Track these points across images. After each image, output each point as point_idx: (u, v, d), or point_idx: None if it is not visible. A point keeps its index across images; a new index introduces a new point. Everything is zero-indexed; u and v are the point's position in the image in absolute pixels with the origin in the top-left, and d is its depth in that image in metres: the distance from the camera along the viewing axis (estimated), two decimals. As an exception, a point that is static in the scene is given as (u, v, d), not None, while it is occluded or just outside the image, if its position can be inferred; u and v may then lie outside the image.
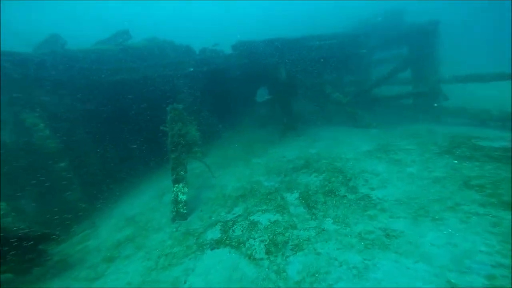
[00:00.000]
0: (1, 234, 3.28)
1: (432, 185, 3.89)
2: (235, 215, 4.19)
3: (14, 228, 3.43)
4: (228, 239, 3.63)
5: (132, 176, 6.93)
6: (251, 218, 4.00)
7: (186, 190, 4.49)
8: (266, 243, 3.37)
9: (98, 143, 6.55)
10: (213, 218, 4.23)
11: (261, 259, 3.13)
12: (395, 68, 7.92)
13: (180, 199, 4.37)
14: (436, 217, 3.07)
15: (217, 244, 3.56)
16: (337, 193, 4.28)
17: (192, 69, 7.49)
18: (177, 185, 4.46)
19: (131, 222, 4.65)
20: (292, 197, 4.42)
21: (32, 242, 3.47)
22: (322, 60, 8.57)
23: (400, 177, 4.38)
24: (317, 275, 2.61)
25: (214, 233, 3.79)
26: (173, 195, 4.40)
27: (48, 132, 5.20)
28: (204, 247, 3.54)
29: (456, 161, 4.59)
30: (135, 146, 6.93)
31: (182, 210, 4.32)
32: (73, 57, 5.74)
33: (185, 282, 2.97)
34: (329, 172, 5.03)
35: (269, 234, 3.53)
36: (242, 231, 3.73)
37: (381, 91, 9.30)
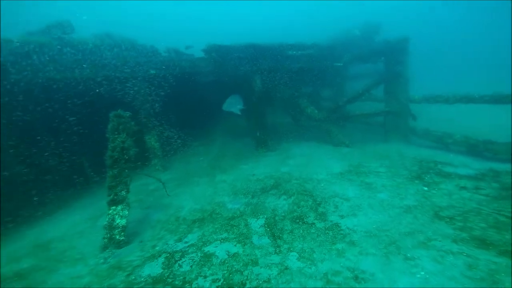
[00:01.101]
0: None
1: (404, 215, 3.78)
2: (187, 244, 3.61)
3: None
4: (170, 276, 3.03)
5: (66, 190, 5.91)
6: (206, 249, 3.47)
7: (126, 213, 3.80)
8: (219, 283, 2.86)
9: (17, 150, 5.48)
10: (157, 248, 3.59)
11: (209, 306, 2.61)
12: (370, 84, 8.16)
13: (117, 223, 3.67)
14: (408, 255, 2.87)
15: (153, 283, 2.94)
16: (305, 220, 3.99)
17: (154, 72, 6.88)
18: (114, 207, 3.75)
19: (40, 250, 3.74)
20: (257, 224, 4.00)
21: None
22: (299, 71, 8.52)
23: (371, 204, 4.24)
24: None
25: (153, 268, 3.16)
26: (107, 219, 3.68)
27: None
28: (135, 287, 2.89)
29: (426, 188, 4.62)
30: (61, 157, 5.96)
31: (117, 237, 3.62)
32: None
33: None
34: (299, 195, 4.76)
35: (224, 272, 3.03)
36: (191, 266, 3.16)
37: (354, 107, 9.54)
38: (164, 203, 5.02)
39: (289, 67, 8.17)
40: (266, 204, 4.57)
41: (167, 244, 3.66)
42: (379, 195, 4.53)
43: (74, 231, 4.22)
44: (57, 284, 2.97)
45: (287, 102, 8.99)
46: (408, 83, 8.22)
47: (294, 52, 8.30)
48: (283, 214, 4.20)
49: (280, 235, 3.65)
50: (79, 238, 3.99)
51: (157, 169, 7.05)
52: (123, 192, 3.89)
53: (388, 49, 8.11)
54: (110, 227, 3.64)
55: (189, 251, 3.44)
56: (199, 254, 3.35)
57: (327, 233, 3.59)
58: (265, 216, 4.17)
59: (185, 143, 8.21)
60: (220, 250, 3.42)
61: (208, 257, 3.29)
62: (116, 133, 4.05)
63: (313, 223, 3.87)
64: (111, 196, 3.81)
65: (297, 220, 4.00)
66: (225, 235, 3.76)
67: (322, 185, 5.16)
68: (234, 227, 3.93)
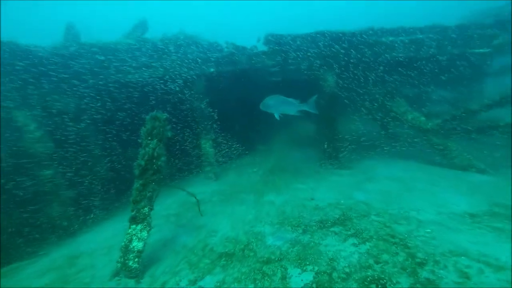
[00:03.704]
0: None
1: None
2: (200, 292, 2.88)
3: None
4: None
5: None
6: (220, 305, 2.62)
7: (145, 235, 3.47)
8: None
9: (108, 150, 6.38)
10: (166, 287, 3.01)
11: None
12: None
13: (133, 247, 3.37)
14: None
15: None
16: (388, 289, 2.51)
17: (212, 70, 6.85)
18: (134, 226, 3.49)
19: (67, 265, 3.85)
20: (300, 279, 2.83)
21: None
22: (397, 63, 6.78)
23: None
24: None
25: (148, 322, 2.56)
26: (125, 239, 3.44)
27: (40, 134, 5.18)
28: None
29: None
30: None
31: (131, 263, 3.30)
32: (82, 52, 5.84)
33: None
34: (380, 241, 3.24)
35: None
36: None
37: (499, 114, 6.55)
38: (198, 223, 4.57)
39: (382, 58, 6.61)
40: (321, 247, 3.30)
41: (178, 285, 3.04)
42: None
43: (108, 244, 4.32)
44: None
45: (374, 106, 7.24)
46: None
47: (392, 38, 6.68)
48: (346, 270, 2.85)
49: (336, 312, 2.37)
50: (104, 255, 3.99)
51: (209, 177, 6.90)
52: (146, 209, 3.62)
53: None
54: (126, 249, 3.40)
55: (198, 304, 2.68)
56: (206, 314, 2.53)
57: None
58: (316, 268, 2.93)
59: (241, 151, 7.81)
60: (236, 313, 2.49)
61: (216, 323, 2.43)
62: (149, 138, 3.90)
63: (405, 300, 2.38)
64: (134, 212, 3.60)
65: (373, 287, 2.56)
66: (251, 287, 2.79)
67: (428, 230, 3.42)
68: (266, 278, 2.91)
